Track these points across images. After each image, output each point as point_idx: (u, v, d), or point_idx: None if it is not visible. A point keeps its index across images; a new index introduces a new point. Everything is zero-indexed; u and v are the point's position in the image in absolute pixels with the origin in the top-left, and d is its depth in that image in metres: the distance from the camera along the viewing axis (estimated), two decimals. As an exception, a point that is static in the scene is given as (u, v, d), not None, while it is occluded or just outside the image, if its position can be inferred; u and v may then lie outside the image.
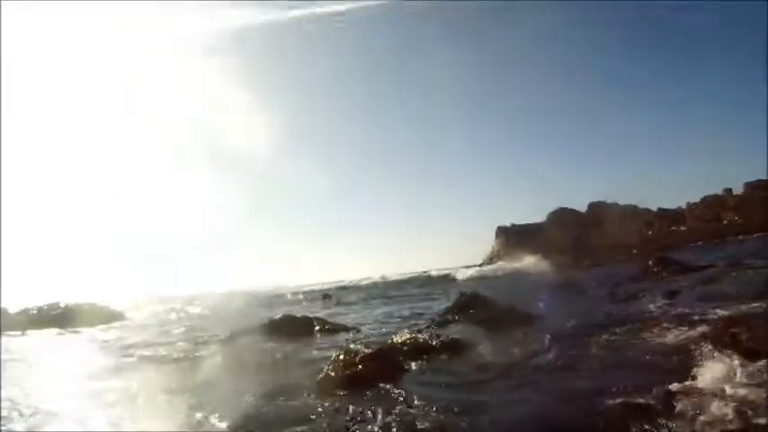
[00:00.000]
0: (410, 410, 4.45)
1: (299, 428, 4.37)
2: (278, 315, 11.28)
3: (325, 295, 32.21)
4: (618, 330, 6.74)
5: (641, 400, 3.95)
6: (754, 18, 77.36)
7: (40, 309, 20.61)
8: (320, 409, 4.81)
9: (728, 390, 3.87)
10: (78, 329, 16.43)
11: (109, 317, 20.91)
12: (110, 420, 5.17)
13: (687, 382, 4.18)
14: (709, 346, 4.92)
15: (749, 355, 4.40)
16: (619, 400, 4.00)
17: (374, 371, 5.65)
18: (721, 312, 6.79)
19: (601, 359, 5.59)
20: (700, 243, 33.21)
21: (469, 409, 4.38)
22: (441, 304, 12.65)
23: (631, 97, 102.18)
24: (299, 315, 11.68)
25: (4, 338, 13.43)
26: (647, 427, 3.51)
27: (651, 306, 8.63)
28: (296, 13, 52.99)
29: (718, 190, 42.47)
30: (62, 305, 20.99)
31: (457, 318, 9.94)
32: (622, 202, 44.78)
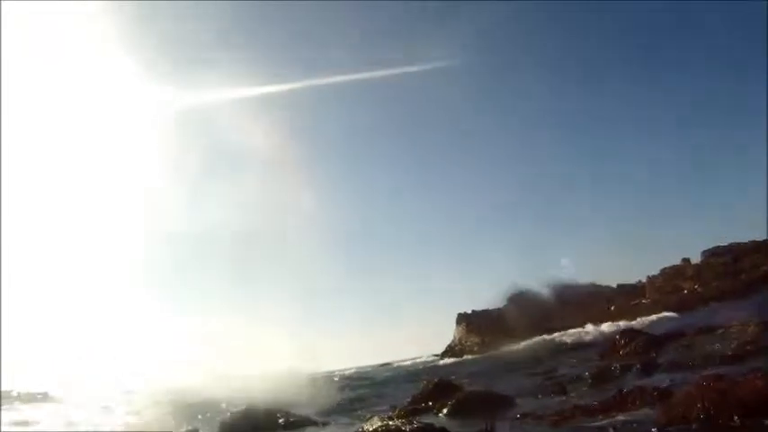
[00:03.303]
0: None
1: None
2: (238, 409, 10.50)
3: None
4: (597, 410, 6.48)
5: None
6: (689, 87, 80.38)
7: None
8: None
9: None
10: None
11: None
12: None
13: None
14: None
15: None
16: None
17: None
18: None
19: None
20: (662, 314, 33.68)
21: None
22: (409, 392, 12.16)
23: (581, 173, 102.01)
24: (260, 408, 10.94)
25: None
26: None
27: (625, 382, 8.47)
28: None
29: (676, 261, 43.51)
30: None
31: (426, 404, 9.60)
32: (581, 281, 45.25)
